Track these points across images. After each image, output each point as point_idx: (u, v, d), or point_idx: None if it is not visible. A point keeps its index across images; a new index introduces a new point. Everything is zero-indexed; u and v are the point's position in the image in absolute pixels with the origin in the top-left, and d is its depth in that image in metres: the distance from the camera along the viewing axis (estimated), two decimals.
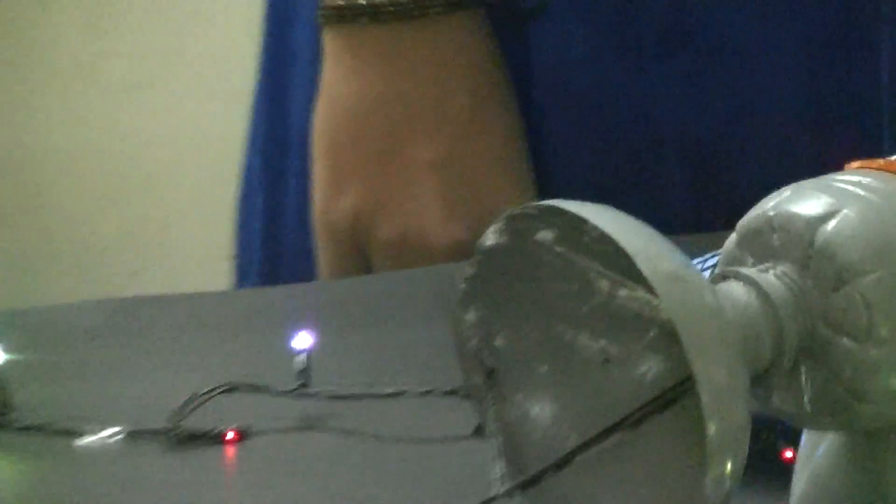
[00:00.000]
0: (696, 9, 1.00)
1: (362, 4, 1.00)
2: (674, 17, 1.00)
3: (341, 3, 1.00)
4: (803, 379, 0.51)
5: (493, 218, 1.01)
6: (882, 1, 0.96)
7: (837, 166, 0.58)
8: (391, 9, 1.02)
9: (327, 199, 1.02)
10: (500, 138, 1.03)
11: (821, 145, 0.98)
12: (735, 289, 0.53)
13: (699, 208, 1.01)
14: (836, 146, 0.97)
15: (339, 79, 1.01)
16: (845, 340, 0.49)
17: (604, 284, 0.51)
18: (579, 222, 0.50)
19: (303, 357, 0.81)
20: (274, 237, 1.13)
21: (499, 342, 0.53)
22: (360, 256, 1.03)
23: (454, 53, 1.01)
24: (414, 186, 1.00)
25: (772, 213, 0.54)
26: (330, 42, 1.02)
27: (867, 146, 0.94)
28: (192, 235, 2.78)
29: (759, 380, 0.51)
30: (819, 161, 0.66)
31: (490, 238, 0.54)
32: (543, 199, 1.01)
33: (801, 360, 0.51)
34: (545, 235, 0.53)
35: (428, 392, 0.79)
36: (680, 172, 1.02)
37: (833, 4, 0.98)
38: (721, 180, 1.01)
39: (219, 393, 0.82)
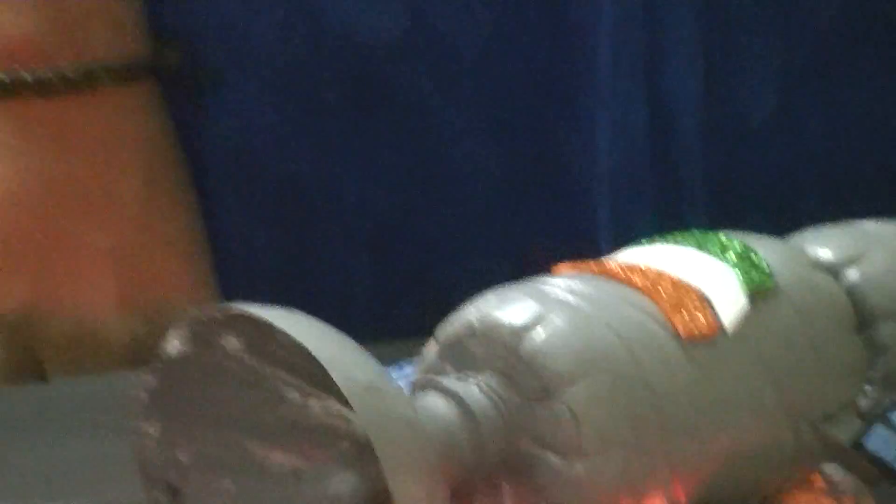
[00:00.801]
0: (382, 79, 1.01)
1: (25, 78, 0.98)
2: (360, 86, 1.01)
3: (2, 76, 0.99)
4: (505, 496, 0.51)
5: (171, 310, 1.00)
6: (598, 72, 0.97)
7: (540, 244, 0.59)
8: (55, 81, 0.99)
9: None
10: (177, 222, 1.04)
11: (521, 221, 0.99)
12: (434, 400, 0.52)
13: (386, 297, 1.02)
14: (538, 224, 0.98)
15: (1, 158, 1.00)
16: (551, 456, 0.49)
17: (294, 395, 0.51)
18: (267, 328, 0.49)
19: None
20: None
21: (183, 457, 0.51)
22: (30, 356, 1.03)
23: (126, 130, 1.03)
24: (86, 277, 1.00)
25: (474, 320, 0.53)
26: None
27: (579, 237, 0.95)
28: None
29: (459, 496, 0.50)
30: (516, 248, 0.65)
31: (172, 345, 0.53)
32: (223, 286, 1.01)
33: (503, 475, 0.50)
34: (232, 342, 0.52)
35: None
36: (362, 247, 1.03)
37: (537, 76, 0.99)
38: (405, 261, 1.02)
39: None
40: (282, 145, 1.01)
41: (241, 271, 1.01)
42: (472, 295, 0.54)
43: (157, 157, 1.00)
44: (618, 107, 0.96)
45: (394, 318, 0.97)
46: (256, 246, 1.03)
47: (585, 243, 0.66)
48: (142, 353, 0.97)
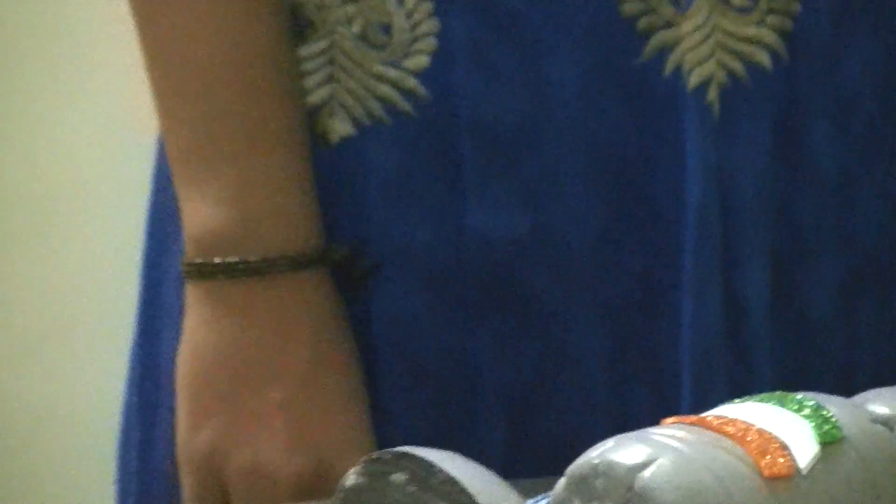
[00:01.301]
0: (513, 275, 0.99)
1: (217, 263, 0.99)
2: (496, 281, 0.99)
3: (200, 261, 0.99)
4: None
5: (337, 453, 0.98)
6: (683, 272, 0.96)
7: (638, 418, 0.58)
8: (241, 267, 1.00)
9: (187, 433, 1.01)
10: (339, 384, 1.02)
11: (623, 398, 0.97)
12: None
13: (516, 451, 1.00)
14: (636, 399, 0.97)
15: (198, 327, 1.00)
16: None
17: None
18: (428, 466, 0.49)
19: None
20: (148, 466, 1.12)
21: None
22: (217, 487, 1.02)
23: (297, 307, 1.00)
24: (262, 424, 0.99)
25: (597, 461, 0.53)
26: (191, 294, 1.02)
27: (667, 404, 0.93)
28: (78, 468, 2.68)
29: None
30: (622, 413, 0.64)
31: (350, 479, 0.52)
32: (379, 439, 1.00)
33: None
34: (398, 477, 0.51)
35: None
36: (499, 419, 1.01)
37: (635, 272, 0.97)
38: (535, 427, 1.00)
39: None
40: (429, 326, 0.99)
41: (395, 430, 1.00)
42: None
43: (323, 331, 0.99)
44: (698, 299, 0.94)
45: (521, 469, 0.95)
46: (410, 408, 1.02)
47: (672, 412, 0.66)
48: (306, 489, 0.97)
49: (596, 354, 0.98)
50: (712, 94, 0.93)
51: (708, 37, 0.94)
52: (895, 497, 0.54)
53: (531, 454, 0.97)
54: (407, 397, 1.03)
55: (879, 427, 0.57)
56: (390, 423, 1.02)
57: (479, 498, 0.47)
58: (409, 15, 0.97)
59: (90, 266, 2.76)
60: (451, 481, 0.49)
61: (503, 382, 1.00)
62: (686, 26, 0.93)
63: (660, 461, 0.52)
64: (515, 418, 1.01)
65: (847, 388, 0.61)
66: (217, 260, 0.99)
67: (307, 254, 1.00)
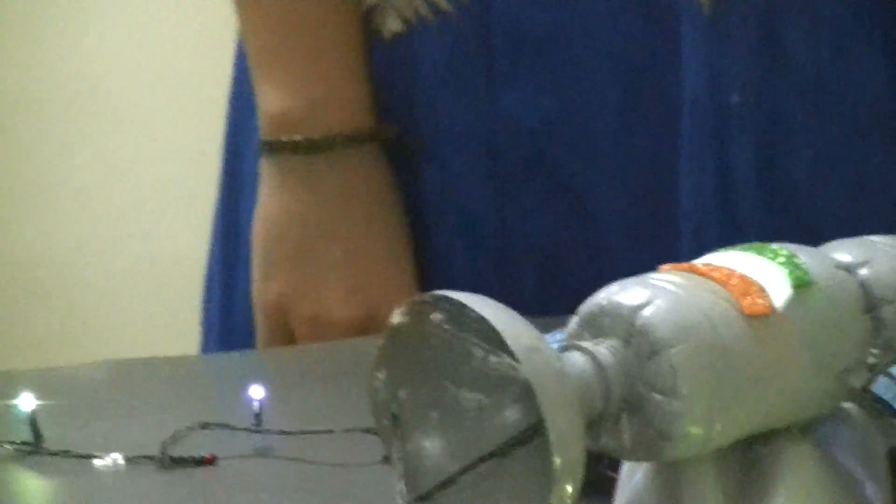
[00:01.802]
0: (541, 148, 0.99)
1: (285, 140, 0.99)
2: (527, 153, 0.99)
3: (271, 138, 0.99)
4: (624, 424, 0.51)
5: (385, 302, 0.99)
6: (683, 146, 0.95)
7: (651, 267, 0.58)
8: (305, 143, 1.00)
9: (260, 285, 1.02)
10: (389, 242, 1.02)
11: (634, 250, 0.98)
12: (576, 357, 0.52)
13: (545, 297, 1.00)
14: (645, 251, 0.97)
15: (270, 194, 1.01)
16: (656, 395, 0.49)
17: (479, 352, 0.51)
18: (462, 307, 0.50)
19: (257, 403, 0.80)
20: (229, 312, 1.13)
21: (402, 394, 0.52)
22: (285, 330, 1.03)
23: (353, 178, 1.00)
24: (321, 278, 0.99)
25: (604, 302, 0.54)
26: (264, 166, 1.02)
27: (670, 256, 0.93)
28: (167, 307, 2.65)
29: (592, 425, 0.51)
30: (637, 262, 0.65)
31: (396, 317, 0.52)
32: (426, 285, 1.00)
33: (623, 410, 0.51)
34: (437, 316, 0.52)
35: (350, 430, 0.78)
36: (530, 269, 1.01)
37: (644, 149, 0.96)
38: (564, 275, 1.00)
39: (196, 429, 0.81)
40: (471, 193, 0.99)
41: (439, 282, 1.00)
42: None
43: (376, 199, 0.99)
44: (693, 171, 0.94)
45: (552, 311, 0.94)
46: (452, 264, 1.02)
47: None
48: (358, 332, 0.97)
49: (613, 215, 0.99)
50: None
51: None
52: (853, 329, 0.55)
53: (557, 298, 0.97)
54: (451, 250, 1.03)
55: (842, 272, 0.58)
56: (436, 272, 1.02)
57: (504, 333, 0.48)
58: None
59: (180, 141, 2.74)
60: (481, 319, 0.49)
61: (534, 239, 1.00)
62: None
63: (657, 301, 0.52)
64: (544, 268, 1.01)
65: (817, 241, 0.61)
66: (285, 138, 0.99)
67: (362, 132, 1.00)
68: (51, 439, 0.81)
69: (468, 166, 1.00)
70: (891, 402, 0.63)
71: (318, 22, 0.99)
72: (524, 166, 0.99)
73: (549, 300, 0.99)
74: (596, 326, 0.53)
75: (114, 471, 0.77)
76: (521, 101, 0.97)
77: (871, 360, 0.55)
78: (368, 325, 1.00)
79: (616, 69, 0.96)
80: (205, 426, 0.79)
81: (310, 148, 1.00)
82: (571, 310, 0.54)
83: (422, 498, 0.51)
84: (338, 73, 1.01)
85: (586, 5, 0.95)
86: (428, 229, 1.03)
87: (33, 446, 0.79)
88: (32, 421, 0.80)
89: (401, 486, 0.52)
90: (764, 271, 0.56)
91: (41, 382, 0.89)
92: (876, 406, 0.61)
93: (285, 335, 1.03)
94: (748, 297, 0.54)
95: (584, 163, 0.99)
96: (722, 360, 0.52)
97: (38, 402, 0.82)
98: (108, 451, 0.78)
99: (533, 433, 0.47)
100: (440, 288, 0.51)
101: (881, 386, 0.62)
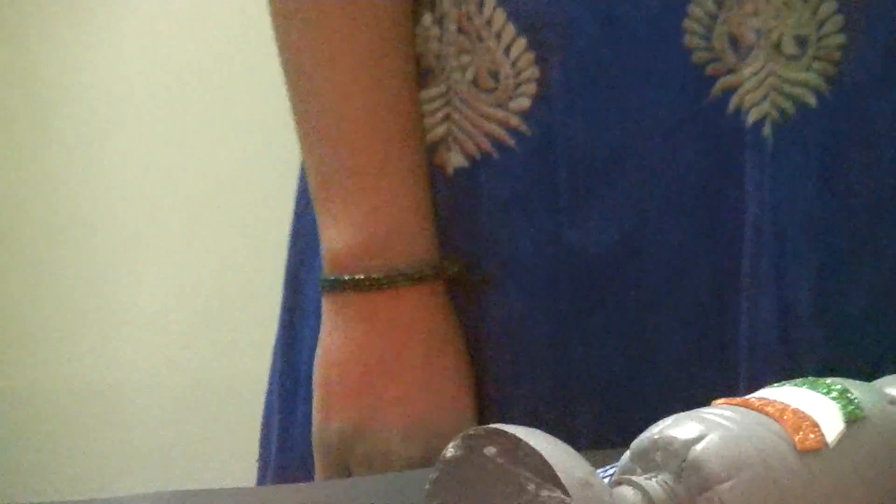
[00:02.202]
0: (603, 282, 0.98)
1: (347, 279, 0.98)
2: (588, 287, 0.99)
3: (332, 277, 0.99)
4: None
5: (445, 438, 0.98)
6: (742, 281, 0.95)
7: (708, 401, 0.57)
8: (367, 283, 1.00)
9: (320, 423, 1.02)
10: (450, 378, 1.01)
11: (694, 385, 0.97)
12: (627, 492, 0.51)
13: (602, 430, 0.99)
14: (705, 386, 0.96)
15: (331, 332, 1.00)
16: None
17: (531, 486, 0.50)
18: (516, 441, 0.49)
19: None
20: (286, 449, 1.12)
21: None
22: (344, 467, 1.02)
23: (414, 317, 0.99)
24: (383, 415, 0.98)
25: (657, 436, 0.53)
26: (325, 303, 1.02)
27: (728, 383, 0.93)
28: (222, 437, 2.65)
29: None
30: (694, 396, 0.64)
31: (450, 451, 0.52)
32: (484, 419, 0.99)
33: None
34: (491, 450, 0.51)
35: None
36: (588, 404, 1.00)
37: (705, 281, 0.96)
38: (621, 408, 0.99)
39: None
40: (532, 327, 0.98)
41: (501, 416, 0.99)
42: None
43: (437, 337, 0.98)
44: (754, 303, 0.93)
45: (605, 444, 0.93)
46: (514, 398, 1.01)
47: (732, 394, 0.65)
48: (417, 468, 0.96)
49: (671, 347, 0.98)
50: (767, 130, 0.93)
51: (764, 81, 0.93)
52: None
53: (613, 431, 0.96)
54: (511, 384, 1.02)
55: (894, 408, 0.56)
56: (495, 404, 1.02)
57: (556, 467, 0.47)
58: (513, 64, 0.97)
59: (244, 271, 2.76)
60: (534, 453, 0.49)
61: (593, 372, 1.00)
62: (746, 72, 0.93)
63: (710, 436, 0.51)
64: (601, 401, 1.00)
65: (872, 376, 0.61)
66: (346, 277, 0.99)
67: (424, 271, 1.00)
68: None
69: (530, 299, 1.01)
70: None
71: (382, 157, 1.00)
72: (586, 299, 0.99)
73: (605, 433, 0.98)
74: (648, 461, 0.52)
75: None
76: (584, 234, 0.97)
77: None
78: (429, 460, 0.99)
79: (679, 197, 0.96)
80: None
81: (371, 287, 1.00)
82: (627, 443, 0.54)
83: None
84: (401, 209, 1.01)
85: (649, 129, 0.95)
86: (488, 362, 1.03)
87: None
88: None
89: None
90: (817, 406, 0.55)
91: None
92: None
93: (344, 471, 1.03)
94: (801, 433, 0.53)
95: (645, 295, 0.99)
96: (774, 496, 0.51)
97: None
98: None
99: None
100: (499, 421, 0.51)
101: None
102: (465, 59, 1.00)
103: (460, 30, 1.00)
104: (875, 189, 0.96)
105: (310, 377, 1.03)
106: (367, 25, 1.01)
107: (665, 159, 0.96)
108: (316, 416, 1.02)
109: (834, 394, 0.55)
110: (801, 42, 0.94)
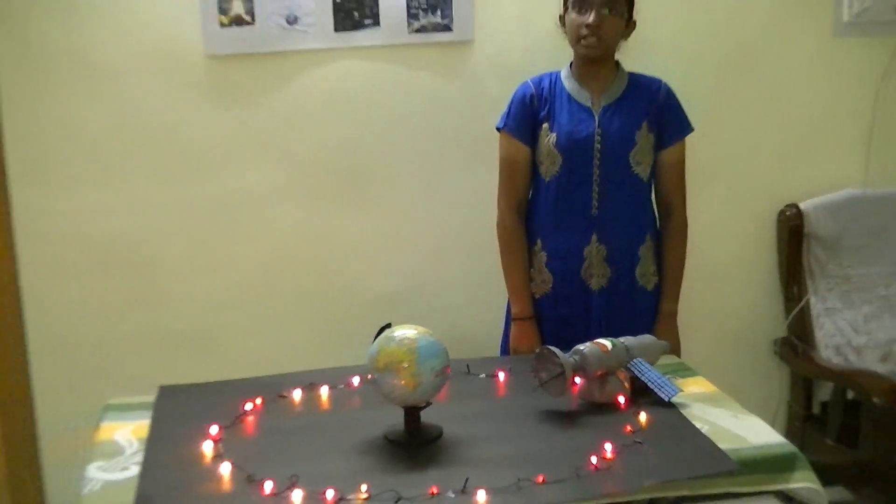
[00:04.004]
0: None
1: (515, 314, 2.09)
2: None
3: (515, 317, 2.01)
4: None
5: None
6: None
7: None
8: (515, 318, 2.40)
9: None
10: None
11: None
12: (568, 356, 2.25)
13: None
14: None
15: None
16: None
17: (554, 360, 2.26)
18: (549, 349, 2.26)
19: None
20: None
21: None
22: None
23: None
24: None
25: (580, 346, 2.26)
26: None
27: None
28: None
29: None
30: None
31: (535, 351, 2.17)
32: None
33: None
34: (545, 348, 2.27)
35: None
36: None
37: None
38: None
39: None
40: None
41: None
42: None
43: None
44: None
45: None
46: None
47: None
48: None
49: None
50: None
51: None
52: None
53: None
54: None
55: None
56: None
57: (556, 352, 2.19)
58: None
59: None
60: (552, 352, 2.17)
61: None
62: None
63: (586, 345, 2.31)
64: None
65: None
66: (513, 313, 3.02)
67: (525, 312, 2.99)
68: None
69: None
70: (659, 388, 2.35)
71: (521, 291, 2.97)
72: None
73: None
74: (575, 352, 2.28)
75: None
76: None
77: None
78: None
79: None
80: None
81: (514, 320, 2.97)
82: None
83: None
84: (522, 306, 2.97)
85: None
86: None
87: None
88: None
89: None
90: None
91: None
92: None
93: None
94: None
95: None
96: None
97: None
98: None
99: None
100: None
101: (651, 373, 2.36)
102: None
103: None
104: None
105: None
106: (517, 254, 2.84)
107: None
108: None
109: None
110: None
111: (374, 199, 3.26)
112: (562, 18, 2.82)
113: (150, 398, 2.41)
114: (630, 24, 2.83)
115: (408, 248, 3.31)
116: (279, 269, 3.27)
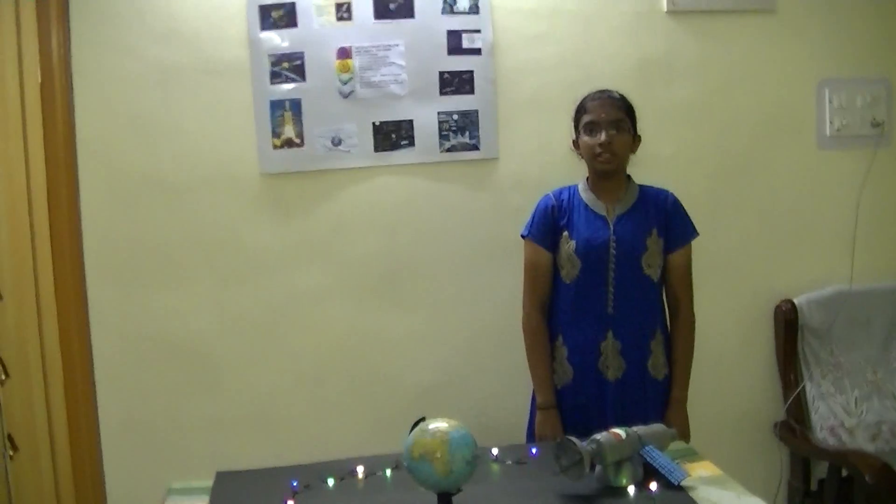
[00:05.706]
0: None
1: (541, 404, 2.17)
2: None
3: (540, 406, 2.05)
4: None
5: None
6: None
7: None
8: (542, 406, 2.60)
9: None
10: None
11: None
12: (584, 444, 2.25)
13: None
14: None
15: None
16: None
17: (572, 447, 2.30)
18: (568, 439, 2.28)
19: None
20: None
21: None
22: None
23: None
24: None
25: (597, 436, 2.21)
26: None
27: None
28: None
29: None
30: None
31: (556, 440, 2.11)
32: None
33: None
34: (566, 438, 2.26)
35: None
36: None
37: None
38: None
39: None
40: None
41: None
42: None
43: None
44: None
45: None
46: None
47: None
48: None
49: None
50: None
51: None
52: None
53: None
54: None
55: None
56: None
57: (574, 441, 2.15)
58: None
59: None
60: (571, 441, 2.14)
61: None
62: None
63: (602, 434, 2.30)
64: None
65: None
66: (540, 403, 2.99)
67: (549, 402, 2.98)
68: None
69: None
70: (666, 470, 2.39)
71: (544, 382, 2.95)
72: None
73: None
74: (591, 440, 2.27)
75: None
76: None
77: None
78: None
79: None
80: None
81: (541, 408, 2.94)
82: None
83: None
84: (546, 395, 2.94)
85: None
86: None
87: None
88: None
89: None
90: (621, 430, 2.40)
91: None
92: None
93: None
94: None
95: None
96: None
97: None
98: None
99: None
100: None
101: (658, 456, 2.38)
102: None
103: None
104: None
105: None
106: (542, 348, 2.88)
107: None
108: None
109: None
110: None
111: (410, 300, 3.34)
112: (575, 143, 2.96)
113: (209, 482, 2.47)
114: (636, 139, 2.93)
115: (442, 343, 3.37)
116: (327, 361, 3.33)
